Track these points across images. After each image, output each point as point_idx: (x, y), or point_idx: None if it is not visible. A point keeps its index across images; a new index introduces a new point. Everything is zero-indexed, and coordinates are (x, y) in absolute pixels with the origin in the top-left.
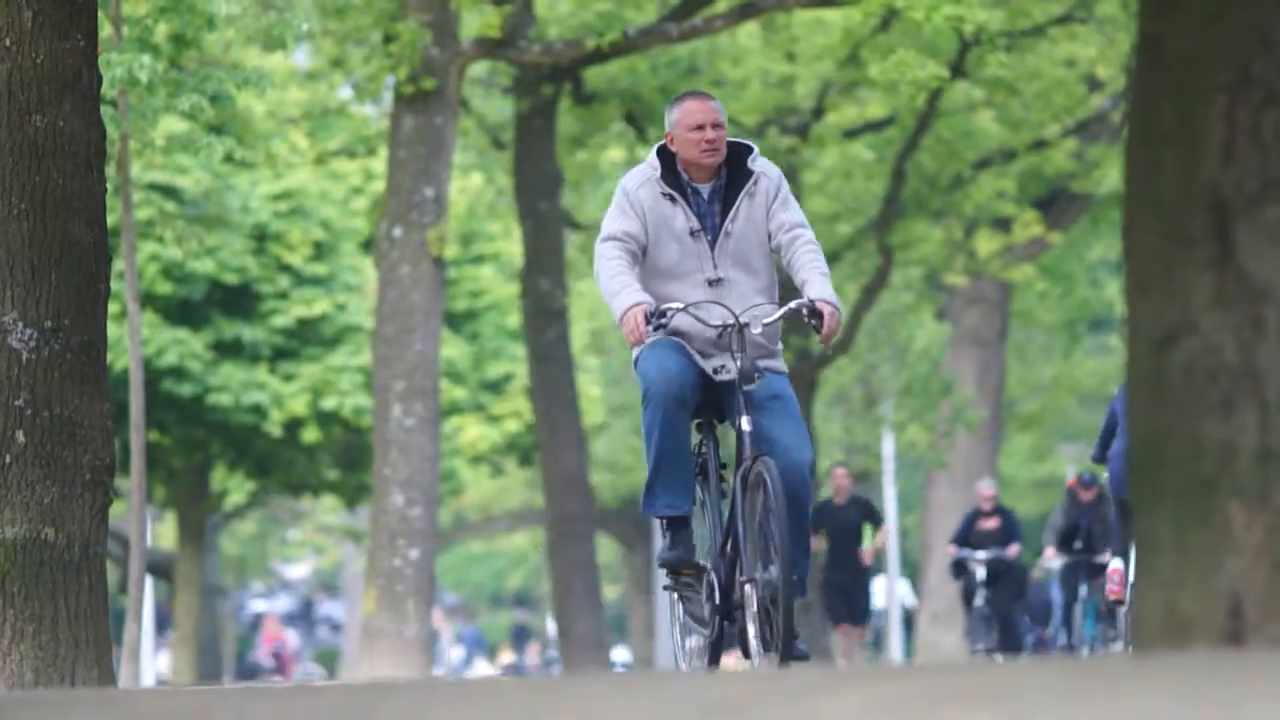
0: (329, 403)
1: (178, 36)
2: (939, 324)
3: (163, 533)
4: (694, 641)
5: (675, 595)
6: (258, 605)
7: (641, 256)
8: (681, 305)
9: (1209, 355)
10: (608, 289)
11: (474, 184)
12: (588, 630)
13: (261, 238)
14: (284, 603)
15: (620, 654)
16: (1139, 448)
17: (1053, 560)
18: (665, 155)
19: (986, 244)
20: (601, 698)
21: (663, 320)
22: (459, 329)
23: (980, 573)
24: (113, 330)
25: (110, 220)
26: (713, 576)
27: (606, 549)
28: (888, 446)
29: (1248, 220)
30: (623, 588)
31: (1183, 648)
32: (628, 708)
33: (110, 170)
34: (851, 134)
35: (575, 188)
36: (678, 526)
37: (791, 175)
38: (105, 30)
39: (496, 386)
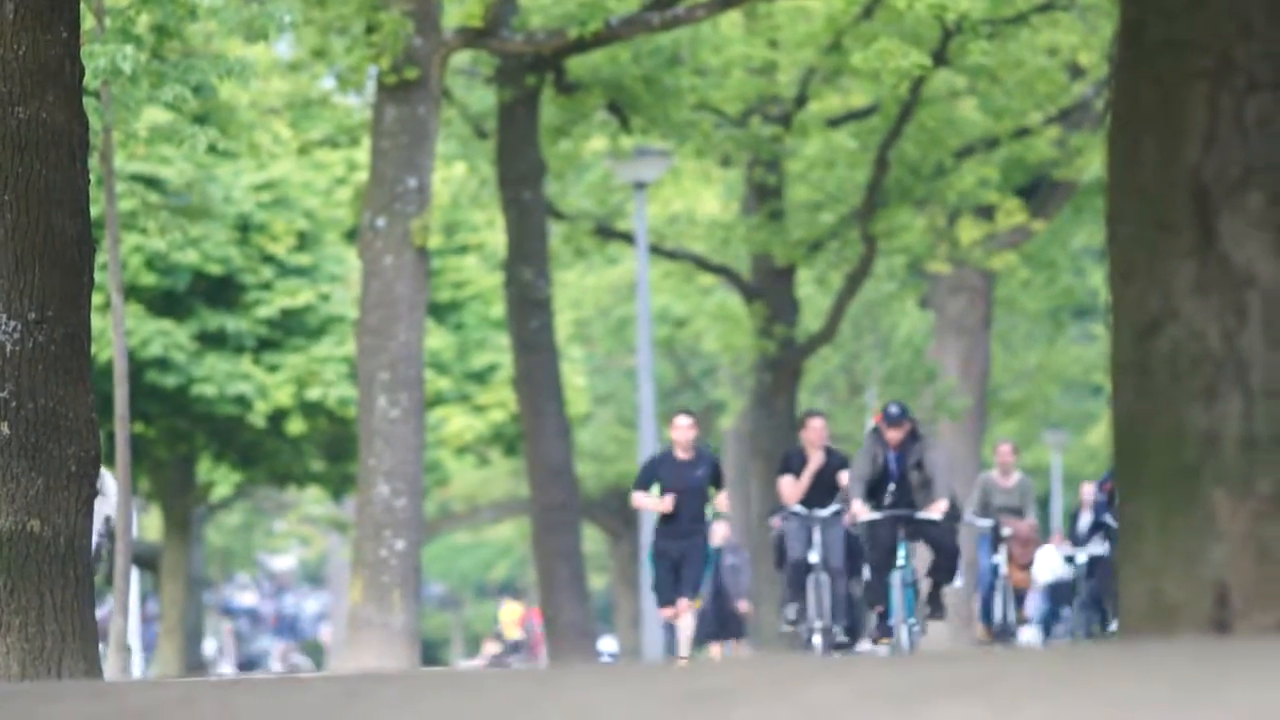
0: (314, 393)
1: (160, 27)
2: (922, 312)
3: (148, 524)
4: None
5: None
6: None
7: None
8: None
9: (1192, 342)
10: None
11: (457, 174)
12: (574, 620)
13: (245, 228)
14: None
15: (607, 644)
16: (1122, 434)
17: (863, 517)
18: None
19: (969, 232)
20: (588, 688)
21: None
22: (443, 319)
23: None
24: (96, 322)
25: (94, 212)
26: None
27: (592, 538)
28: None
29: (1230, 206)
30: (609, 577)
31: (1168, 635)
32: (614, 698)
33: (93, 161)
34: (834, 122)
35: (558, 177)
36: None
37: (774, 164)
38: (88, 21)
39: (481, 377)
